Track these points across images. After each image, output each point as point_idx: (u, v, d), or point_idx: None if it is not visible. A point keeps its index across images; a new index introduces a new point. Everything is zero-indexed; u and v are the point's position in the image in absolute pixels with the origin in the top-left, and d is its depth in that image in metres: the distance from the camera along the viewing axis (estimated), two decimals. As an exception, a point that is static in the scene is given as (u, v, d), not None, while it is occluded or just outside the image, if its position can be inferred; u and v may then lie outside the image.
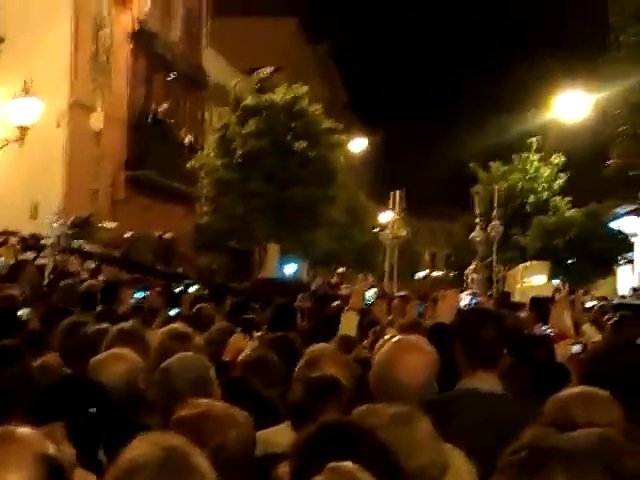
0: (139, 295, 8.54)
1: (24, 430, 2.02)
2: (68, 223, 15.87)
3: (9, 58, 16.97)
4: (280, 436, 3.29)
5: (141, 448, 1.99)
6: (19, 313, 6.20)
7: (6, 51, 16.98)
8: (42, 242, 14.24)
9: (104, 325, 5.61)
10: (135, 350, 4.25)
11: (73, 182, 20.82)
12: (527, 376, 4.46)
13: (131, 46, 24.42)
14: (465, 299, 5.30)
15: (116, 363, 3.95)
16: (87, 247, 16.40)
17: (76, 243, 15.79)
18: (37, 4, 18.88)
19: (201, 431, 2.48)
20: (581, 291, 19.27)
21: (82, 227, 16.15)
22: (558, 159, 32.26)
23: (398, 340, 3.44)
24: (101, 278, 12.37)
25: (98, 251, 17.11)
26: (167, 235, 18.83)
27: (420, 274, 65.99)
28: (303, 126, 23.56)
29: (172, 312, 7.67)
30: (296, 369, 4.01)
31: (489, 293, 17.63)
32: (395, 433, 2.51)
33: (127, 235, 16.55)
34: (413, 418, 2.56)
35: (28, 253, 14.29)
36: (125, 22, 24.10)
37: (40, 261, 13.28)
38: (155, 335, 4.98)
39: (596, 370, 3.81)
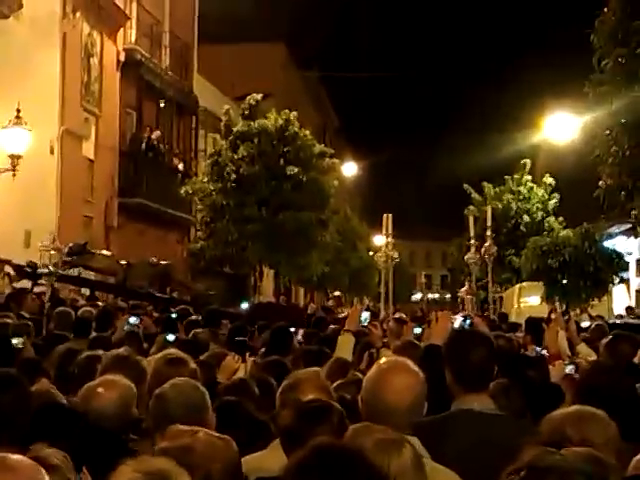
0: (133, 321, 8.53)
1: (18, 457, 2.01)
2: (65, 250, 15.88)
3: None
4: (270, 460, 3.27)
5: (126, 474, 1.99)
6: (14, 341, 6.19)
7: (-4, 81, 17.05)
8: (39, 270, 14.24)
9: (98, 352, 5.61)
10: (130, 376, 4.24)
11: (66, 210, 20.83)
12: (521, 396, 4.46)
13: (121, 74, 24.52)
14: (458, 320, 5.29)
15: (109, 390, 3.94)
16: (84, 274, 16.40)
17: (74, 271, 15.79)
18: (26, 34, 18.94)
19: (185, 464, 2.43)
20: (577, 311, 19.34)
21: (79, 254, 16.15)
22: (551, 179, 32.41)
23: (384, 362, 3.44)
24: (100, 304, 12.41)
25: (95, 279, 17.10)
26: (163, 261, 18.84)
27: (416, 296, 65.99)
28: (295, 151, 23.65)
29: (170, 337, 7.67)
30: (277, 393, 3.98)
31: (485, 314, 17.59)
32: (378, 459, 2.50)
33: (123, 262, 16.55)
34: (398, 445, 2.54)
35: (24, 281, 14.30)
36: (114, 51, 24.22)
37: (38, 289, 13.31)
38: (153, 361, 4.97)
39: (589, 389, 3.82)
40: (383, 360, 3.54)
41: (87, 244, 17.09)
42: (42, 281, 14.08)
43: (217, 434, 2.89)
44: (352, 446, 2.61)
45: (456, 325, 4.97)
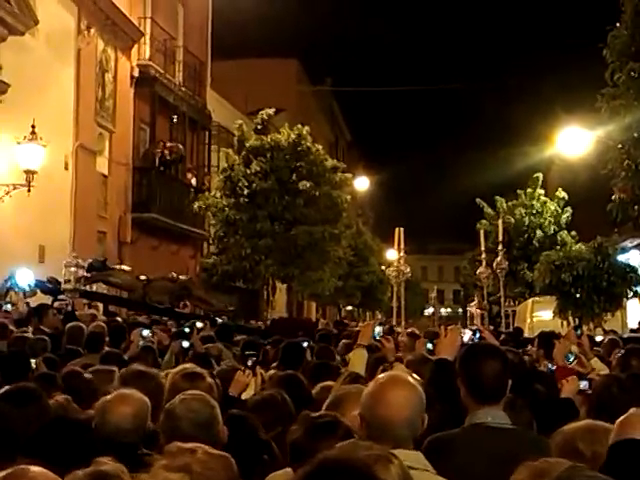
0: (146, 334, 8.59)
1: (38, 470, 2.03)
2: (85, 266, 15.99)
3: (14, 104, 17.12)
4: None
5: None
6: (32, 361, 6.28)
7: (11, 97, 17.14)
8: (60, 286, 14.38)
9: (110, 367, 5.66)
10: (146, 390, 4.27)
11: (80, 225, 20.94)
12: (528, 411, 4.46)
13: (134, 90, 24.70)
14: (467, 334, 5.26)
15: (123, 404, 3.97)
16: (104, 290, 16.50)
17: (93, 286, 15.90)
18: (41, 50, 19.10)
19: None
20: (590, 325, 19.25)
21: (99, 270, 16.25)
22: (563, 194, 32.39)
23: (382, 377, 3.44)
24: (119, 319, 12.48)
25: (115, 294, 17.17)
26: (183, 277, 18.94)
27: (428, 311, 65.86)
28: (307, 165, 23.72)
29: (185, 344, 7.77)
30: (323, 409, 3.99)
31: (496, 329, 17.57)
32: None
33: (142, 278, 16.63)
34: (384, 460, 2.54)
35: (40, 295, 14.41)
36: (128, 67, 24.40)
37: (57, 304, 13.43)
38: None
39: (600, 403, 3.82)
40: (381, 375, 3.55)
41: (107, 260, 17.21)
42: (62, 296, 14.22)
43: (217, 452, 2.88)
44: (358, 460, 2.62)
45: (465, 339, 4.96)
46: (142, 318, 13.94)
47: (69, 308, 13.22)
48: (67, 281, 14.35)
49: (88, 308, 15.39)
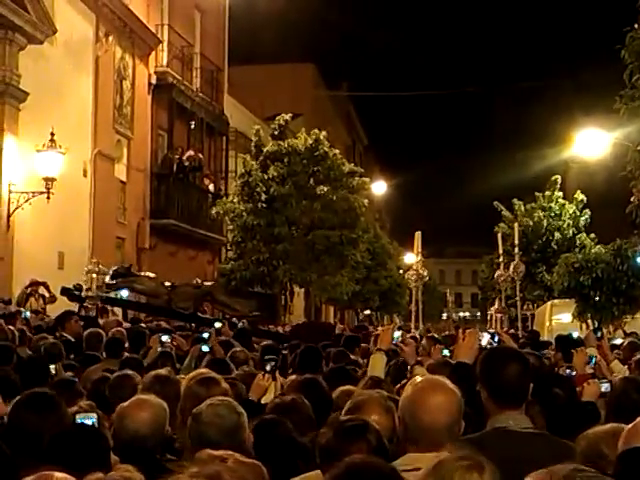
0: (165, 339, 8.62)
1: (61, 475, 2.05)
2: (106, 272, 16.09)
3: (33, 112, 17.26)
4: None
5: None
6: (51, 367, 6.31)
7: (31, 105, 17.28)
8: (85, 293, 14.48)
9: (129, 372, 5.69)
10: (168, 396, 4.29)
11: (99, 231, 21.05)
12: (542, 415, 4.44)
13: (152, 97, 24.81)
14: (485, 338, 5.23)
15: (141, 409, 3.98)
16: (129, 296, 16.59)
17: (117, 293, 15.99)
18: (60, 58, 19.23)
19: None
20: (610, 328, 19.14)
21: (124, 277, 16.33)
22: (582, 196, 32.23)
23: (421, 381, 3.44)
24: (143, 325, 12.54)
25: (140, 301, 17.22)
26: (207, 283, 18.98)
27: (446, 314, 65.63)
28: (325, 170, 23.73)
29: (205, 348, 7.81)
30: (342, 414, 4.00)
31: (514, 331, 17.48)
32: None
33: (167, 284, 16.70)
34: (477, 467, 2.54)
35: (60, 302, 14.52)
36: (146, 73, 24.52)
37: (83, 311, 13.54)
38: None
39: (619, 406, 3.80)
40: (419, 379, 3.55)
41: (131, 266, 17.30)
42: (87, 303, 14.32)
43: (248, 460, 2.88)
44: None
45: (483, 342, 4.94)
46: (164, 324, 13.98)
47: (93, 314, 13.32)
48: (88, 289, 14.46)
49: (113, 314, 15.49)
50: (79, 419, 3.55)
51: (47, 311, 15.01)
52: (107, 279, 15.67)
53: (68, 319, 10.99)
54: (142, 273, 17.69)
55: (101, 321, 12.76)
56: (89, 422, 3.54)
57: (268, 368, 5.77)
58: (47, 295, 15.51)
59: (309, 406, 4.69)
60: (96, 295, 14.39)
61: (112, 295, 15.48)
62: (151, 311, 16.33)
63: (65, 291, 14.70)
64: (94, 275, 14.71)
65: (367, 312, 38.46)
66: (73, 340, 9.65)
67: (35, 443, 3.53)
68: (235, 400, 4.14)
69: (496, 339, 5.56)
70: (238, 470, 2.72)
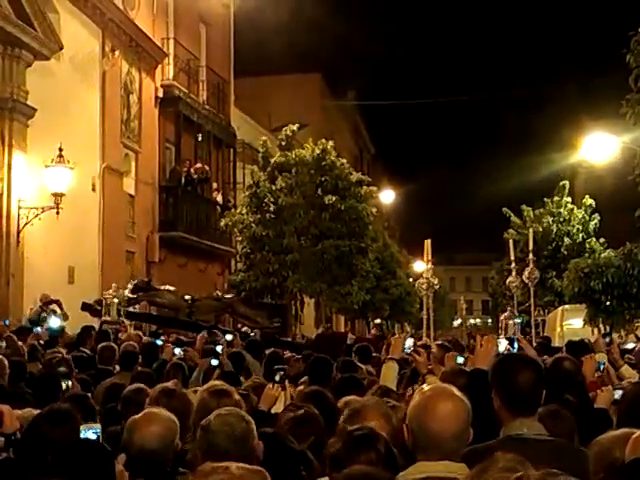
0: (177, 352, 8.64)
1: None
2: (130, 287, 16.12)
3: (41, 127, 17.33)
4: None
5: None
6: (63, 384, 6.32)
7: (38, 121, 17.36)
8: (103, 318, 14.53)
9: (141, 385, 5.69)
10: (176, 409, 4.29)
11: (108, 245, 21.10)
12: (571, 421, 4.42)
13: (159, 110, 24.90)
14: (502, 344, 5.19)
15: (151, 423, 3.98)
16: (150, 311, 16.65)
17: (136, 307, 16.06)
18: (67, 73, 19.32)
19: None
20: (621, 332, 19.06)
21: (144, 291, 16.38)
22: (590, 200, 32.18)
23: (428, 389, 3.43)
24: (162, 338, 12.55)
25: (160, 314, 17.28)
26: (228, 295, 19.04)
27: (457, 322, 65.48)
28: (332, 180, 23.76)
29: (214, 362, 7.79)
30: (339, 422, 4.01)
31: (527, 338, 17.43)
32: None
33: (187, 297, 16.74)
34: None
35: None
36: (152, 87, 24.61)
37: (105, 326, 13.58)
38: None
39: (630, 411, 3.78)
40: (426, 387, 3.54)
41: (151, 280, 17.34)
42: (107, 318, 14.36)
43: (251, 467, 2.87)
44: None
45: (501, 349, 4.91)
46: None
47: (116, 329, 13.36)
48: (107, 313, 14.51)
49: (135, 329, 15.52)
50: (82, 430, 3.56)
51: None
52: (127, 293, 15.72)
53: (88, 334, 11.08)
54: (162, 287, 17.72)
55: (122, 335, 12.79)
56: (93, 434, 3.54)
57: (277, 378, 5.77)
58: (59, 312, 15.54)
59: (319, 416, 4.69)
60: (116, 316, 14.44)
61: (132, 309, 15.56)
62: (173, 325, 16.35)
63: (86, 307, 14.75)
64: (115, 300, 14.73)
65: (378, 321, 38.37)
66: (89, 355, 9.66)
67: (53, 459, 3.54)
68: (248, 412, 4.14)
69: (515, 346, 5.53)
70: (243, 476, 2.71)
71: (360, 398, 4.51)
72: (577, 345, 8.80)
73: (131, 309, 15.64)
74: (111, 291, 15.23)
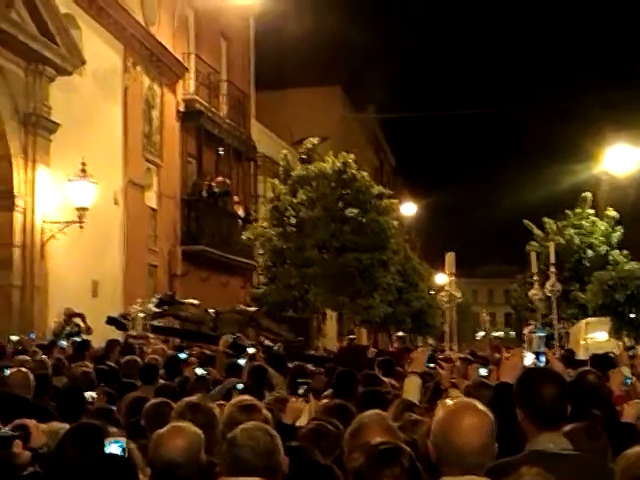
0: (200, 372, 8.63)
1: None
2: (155, 301, 16.18)
3: (64, 142, 17.47)
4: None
5: None
6: (86, 395, 6.34)
7: (61, 136, 17.50)
8: (130, 332, 14.58)
9: (166, 400, 5.70)
10: (201, 423, 4.30)
11: (131, 259, 21.21)
12: (604, 438, 4.38)
13: (181, 124, 25.05)
14: (529, 358, 5.13)
15: (176, 437, 3.99)
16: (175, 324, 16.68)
17: (160, 321, 16.09)
18: (89, 88, 19.48)
19: None
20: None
21: (169, 304, 16.42)
22: (613, 212, 31.94)
23: (452, 404, 3.41)
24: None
25: (184, 328, 17.30)
26: (251, 308, 19.03)
27: (480, 334, 65.13)
28: (353, 193, 23.76)
29: (239, 386, 7.68)
30: (345, 437, 4.03)
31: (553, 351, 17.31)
32: None
33: (211, 310, 16.77)
34: None
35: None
36: (174, 102, 24.76)
37: (131, 340, 13.63)
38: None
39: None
40: (450, 401, 3.53)
41: (175, 294, 17.38)
42: (132, 332, 14.41)
43: None
44: None
45: (527, 362, 4.86)
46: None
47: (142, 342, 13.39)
48: (133, 327, 14.55)
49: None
50: (107, 444, 3.57)
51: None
52: (151, 306, 15.76)
53: (114, 348, 11.15)
54: (185, 300, 17.77)
55: (147, 349, 12.83)
56: (117, 448, 3.55)
57: (301, 392, 5.76)
58: (82, 325, 15.62)
59: (342, 430, 4.67)
60: (142, 330, 14.48)
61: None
62: (197, 338, 16.36)
63: (112, 320, 14.79)
64: (141, 315, 14.77)
65: (400, 334, 38.28)
66: (113, 368, 9.69)
67: (76, 474, 3.55)
68: (275, 426, 4.15)
69: (542, 359, 5.45)
70: None
71: (365, 413, 4.50)
72: (602, 358, 8.73)
73: (156, 323, 15.67)
74: (136, 305, 15.27)
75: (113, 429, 5.20)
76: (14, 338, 13.28)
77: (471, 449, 3.18)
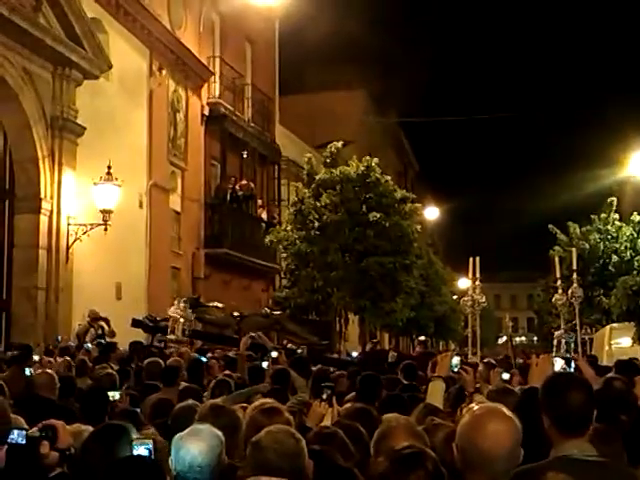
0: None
1: None
2: (182, 305, 16.24)
3: (90, 146, 17.61)
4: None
5: None
6: (110, 394, 6.37)
7: (87, 139, 17.64)
8: (169, 337, 14.63)
9: (189, 402, 5.72)
10: (224, 425, 4.31)
11: (155, 262, 21.32)
12: (618, 443, 4.36)
13: (205, 128, 25.15)
14: (558, 363, 5.07)
15: (197, 439, 4.00)
16: (199, 327, 16.72)
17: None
18: (115, 92, 19.62)
19: None
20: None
21: (194, 307, 16.46)
22: (639, 217, 31.67)
23: (478, 409, 3.41)
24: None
25: (212, 331, 17.37)
26: (275, 312, 19.06)
27: (502, 339, 64.80)
28: (377, 197, 23.73)
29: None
30: (372, 442, 4.02)
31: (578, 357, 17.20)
32: None
33: (236, 314, 16.79)
34: None
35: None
36: (199, 105, 24.88)
37: (172, 345, 13.70)
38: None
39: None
40: (476, 406, 3.52)
41: (200, 297, 17.42)
42: (172, 337, 14.47)
43: None
44: None
45: (557, 368, 4.82)
46: (232, 353, 14.04)
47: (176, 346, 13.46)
48: (172, 332, 14.57)
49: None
50: (135, 446, 3.59)
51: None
52: (190, 312, 15.77)
53: (139, 350, 11.22)
54: (211, 304, 17.82)
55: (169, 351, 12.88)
56: (145, 450, 3.57)
57: (325, 396, 5.77)
58: (107, 328, 15.71)
59: (365, 434, 4.67)
60: (180, 335, 14.50)
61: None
62: (222, 342, 16.41)
63: (137, 323, 14.83)
64: (181, 320, 14.80)
65: (422, 338, 38.20)
66: (136, 370, 9.75)
67: (104, 475, 3.58)
68: (297, 429, 4.16)
69: (572, 365, 5.40)
70: None
71: (391, 417, 4.50)
72: (627, 364, 8.65)
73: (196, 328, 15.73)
74: (173, 308, 15.26)
75: (150, 429, 5.25)
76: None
77: (496, 454, 3.18)
